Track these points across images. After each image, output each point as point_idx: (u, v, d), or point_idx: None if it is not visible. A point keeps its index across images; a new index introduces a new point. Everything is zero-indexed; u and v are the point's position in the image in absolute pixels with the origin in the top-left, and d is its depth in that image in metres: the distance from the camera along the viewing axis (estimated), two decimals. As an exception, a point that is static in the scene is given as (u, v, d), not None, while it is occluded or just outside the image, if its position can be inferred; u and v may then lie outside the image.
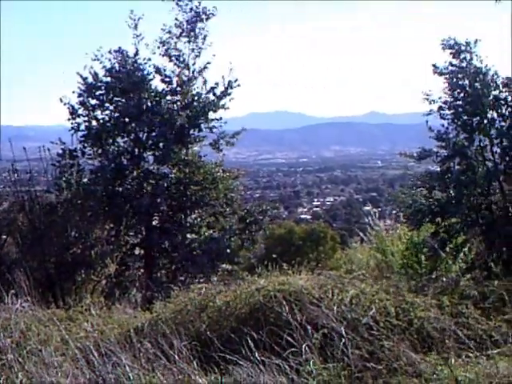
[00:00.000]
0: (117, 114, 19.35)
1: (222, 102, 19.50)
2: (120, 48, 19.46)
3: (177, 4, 19.55)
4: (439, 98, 18.80)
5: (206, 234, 19.17)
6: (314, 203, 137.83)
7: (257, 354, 6.37)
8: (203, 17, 19.58)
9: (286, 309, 7.15)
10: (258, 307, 7.70)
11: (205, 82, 19.63)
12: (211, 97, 19.49)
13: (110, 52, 19.40)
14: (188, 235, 19.11)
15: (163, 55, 19.64)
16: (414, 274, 11.71)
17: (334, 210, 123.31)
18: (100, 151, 19.21)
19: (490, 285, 9.10)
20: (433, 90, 18.99)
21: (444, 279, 9.54)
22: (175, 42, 19.59)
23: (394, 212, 19.87)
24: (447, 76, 18.67)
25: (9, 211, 18.51)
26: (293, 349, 6.48)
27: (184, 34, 19.54)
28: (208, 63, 19.65)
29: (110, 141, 19.32)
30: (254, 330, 6.89)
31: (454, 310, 7.88)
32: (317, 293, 7.60)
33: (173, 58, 19.56)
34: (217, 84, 19.55)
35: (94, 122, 19.36)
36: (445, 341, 7.16)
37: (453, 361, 6.59)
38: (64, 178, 18.28)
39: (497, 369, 6.35)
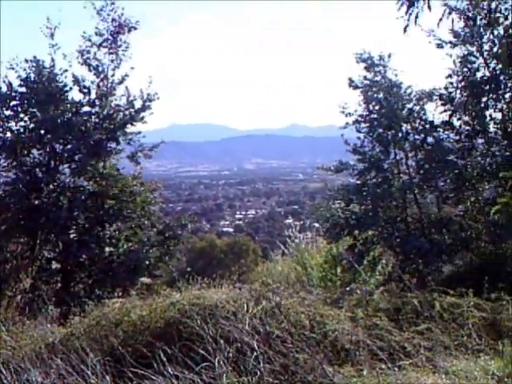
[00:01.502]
0: (32, 126, 18.99)
1: (141, 115, 19.35)
2: (35, 57, 19.11)
3: (97, 13, 19.33)
4: (355, 111, 19.11)
5: (125, 246, 18.96)
6: (237, 216, 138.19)
7: (170, 369, 6.31)
8: (125, 29, 19.42)
9: (200, 323, 7.11)
10: (173, 322, 7.64)
11: (128, 96, 19.45)
12: (130, 110, 19.33)
13: (26, 61, 19.04)
14: (106, 248, 18.88)
15: (82, 64, 19.37)
16: (332, 287, 11.79)
17: (256, 222, 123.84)
18: (14, 163, 18.81)
19: (403, 297, 9.20)
20: (350, 102, 19.31)
21: (359, 292, 9.60)
22: (95, 52, 19.37)
23: (315, 225, 20.07)
24: (362, 89, 19.00)
25: None
26: (206, 363, 6.43)
27: (105, 44, 19.34)
28: (126, 75, 19.49)
29: (25, 152, 18.95)
30: (168, 345, 6.82)
31: (368, 323, 7.94)
32: (232, 306, 7.58)
33: (91, 68, 19.31)
34: (135, 98, 19.40)
35: (8, 133, 18.96)
36: (359, 353, 7.21)
37: (365, 372, 6.63)
38: (-23, 190, 17.89)
39: (408, 379, 6.42)
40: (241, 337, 6.76)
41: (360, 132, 19.45)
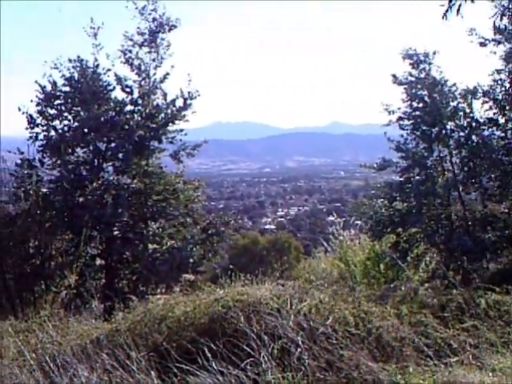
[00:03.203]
0: (76, 124, 19.17)
1: (182, 114, 19.40)
2: (79, 57, 19.28)
3: (139, 12, 19.44)
4: (398, 109, 18.96)
5: (168, 244, 19.05)
6: (278, 213, 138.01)
7: (214, 365, 6.32)
8: (166, 28, 19.50)
9: (244, 319, 7.12)
10: (217, 318, 7.65)
11: (165, 95, 19.54)
12: (172, 108, 19.41)
13: (69, 61, 19.21)
14: (150, 245, 18.99)
15: (124, 63, 19.49)
16: (375, 284, 11.74)
17: (298, 220, 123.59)
18: (59, 161, 19.00)
19: (448, 294, 9.13)
20: (393, 100, 19.15)
21: (403, 288, 9.55)
22: (137, 51, 19.48)
23: (357, 222, 19.97)
24: (406, 86, 18.84)
25: (-34, 222, 18.28)
26: (251, 359, 6.43)
27: (146, 44, 19.44)
28: (167, 74, 19.56)
29: (69, 151, 19.14)
30: (212, 341, 6.84)
31: (412, 319, 7.89)
32: (275, 303, 7.57)
33: (134, 67, 19.42)
34: (177, 96, 19.47)
35: (52, 132, 19.15)
36: (403, 349, 7.17)
37: (411, 369, 6.59)
38: (22, 189, 18.10)
39: (454, 376, 6.37)
40: (285, 333, 6.76)
41: (403, 129, 19.30)
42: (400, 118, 19.30)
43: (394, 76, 19.10)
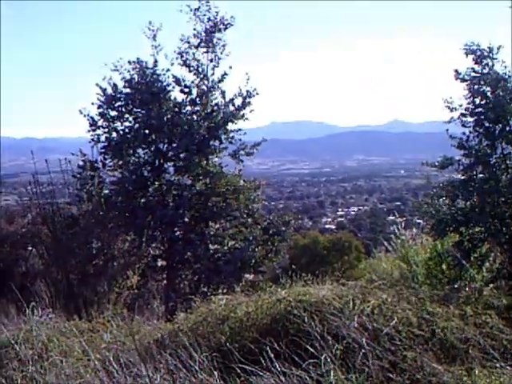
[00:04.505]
0: (137, 126, 19.36)
1: (241, 113, 19.44)
2: (139, 59, 19.46)
3: (194, 14, 19.52)
4: (460, 106, 18.64)
5: (229, 244, 19.10)
6: (338, 213, 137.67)
7: (278, 365, 6.30)
8: (221, 27, 19.55)
9: (306, 319, 7.09)
10: (279, 318, 7.64)
11: (223, 93, 19.60)
12: (231, 108, 19.46)
13: (129, 62, 19.42)
14: (211, 246, 19.07)
15: (182, 65, 19.60)
16: (438, 284, 11.59)
17: (358, 219, 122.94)
18: (121, 163, 19.21)
19: (513, 295, 8.97)
20: (454, 97, 18.82)
21: (467, 289, 9.39)
22: (194, 53, 19.57)
23: (419, 221, 19.70)
24: (469, 82, 18.51)
25: (32, 223, 18.64)
26: (313, 360, 6.40)
27: (202, 44, 19.52)
28: (225, 74, 19.61)
29: (131, 152, 19.34)
30: (274, 341, 6.82)
31: (477, 320, 7.75)
32: (338, 303, 7.52)
33: (191, 68, 19.53)
34: (236, 95, 19.51)
35: (114, 134, 19.38)
36: (469, 351, 7.04)
37: (477, 371, 6.48)
38: (85, 190, 18.35)
39: (522, 379, 6.26)
40: (349, 333, 6.71)
41: (465, 126, 18.98)
42: (462, 115, 18.98)
43: (456, 72, 18.77)
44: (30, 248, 19.61)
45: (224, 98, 19.53)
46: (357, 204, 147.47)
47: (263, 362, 6.44)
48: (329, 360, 6.35)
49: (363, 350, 6.49)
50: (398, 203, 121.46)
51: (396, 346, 6.75)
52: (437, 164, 19.11)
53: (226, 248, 18.89)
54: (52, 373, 7.16)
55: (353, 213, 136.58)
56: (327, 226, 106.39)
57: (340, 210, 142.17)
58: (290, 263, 25.21)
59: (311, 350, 6.55)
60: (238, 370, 6.58)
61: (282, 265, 23.39)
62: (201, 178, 19.10)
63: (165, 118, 19.19)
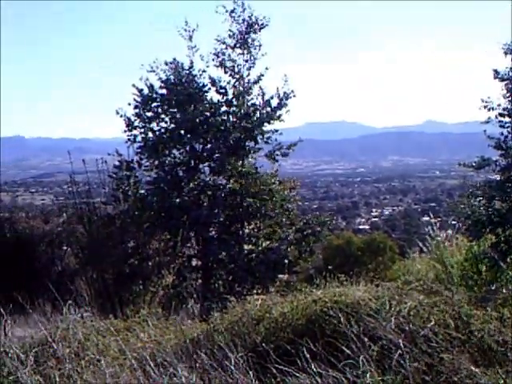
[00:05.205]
0: (172, 126, 19.46)
1: (278, 114, 19.45)
2: (175, 59, 19.57)
3: (230, 15, 19.57)
4: (498, 105, 18.46)
5: (264, 244, 19.11)
6: (373, 213, 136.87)
7: (313, 366, 6.28)
8: (256, 27, 19.58)
9: (343, 320, 7.06)
10: (315, 319, 7.62)
11: (263, 95, 19.62)
12: (267, 108, 19.47)
13: (165, 63, 19.53)
14: (245, 246, 19.10)
15: (218, 66, 19.67)
16: (474, 286, 11.49)
17: (392, 220, 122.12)
18: (156, 163, 19.35)
19: (552, 297, 8.84)
20: (492, 97, 18.65)
21: (504, 291, 9.28)
22: (229, 53, 19.63)
23: (454, 222, 19.55)
24: (507, 82, 18.33)
25: (68, 222, 18.79)
26: (349, 361, 6.38)
27: (238, 45, 19.56)
28: (262, 75, 19.62)
29: (166, 152, 19.46)
30: (310, 342, 6.80)
31: (515, 323, 7.68)
32: (374, 304, 7.48)
33: (227, 69, 19.57)
34: (272, 97, 19.52)
35: (150, 134, 19.50)
36: (506, 354, 6.97)
37: (515, 374, 6.42)
38: (121, 190, 18.46)
39: (562, 382, 6.18)
40: (385, 335, 6.67)
41: (503, 127, 18.81)
42: (500, 115, 18.80)
43: (495, 71, 18.60)
44: (65, 247, 19.79)
45: (263, 98, 19.57)
46: (391, 204, 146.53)
47: (299, 362, 6.43)
48: (365, 361, 6.32)
49: (400, 352, 6.46)
50: (433, 204, 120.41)
51: (433, 348, 6.70)
52: (474, 164, 18.95)
53: (260, 248, 18.91)
54: (89, 371, 7.21)
55: (387, 213, 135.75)
56: (361, 227, 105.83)
57: (374, 210, 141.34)
58: (323, 264, 25.18)
59: (347, 351, 6.53)
60: (274, 371, 6.58)
61: (316, 265, 23.36)
62: (235, 178, 19.14)
63: (199, 119, 19.26)
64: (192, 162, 19.49)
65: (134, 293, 16.06)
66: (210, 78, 19.67)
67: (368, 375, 6.19)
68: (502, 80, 18.36)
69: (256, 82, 19.64)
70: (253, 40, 19.62)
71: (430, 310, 7.50)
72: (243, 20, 19.55)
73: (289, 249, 18.93)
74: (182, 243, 18.48)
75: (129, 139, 19.54)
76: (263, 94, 19.61)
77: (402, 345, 6.50)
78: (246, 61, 19.66)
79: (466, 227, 18.48)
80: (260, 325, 8.01)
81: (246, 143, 19.46)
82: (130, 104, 19.58)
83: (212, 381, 6.55)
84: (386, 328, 6.82)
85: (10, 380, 7.07)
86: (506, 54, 18.43)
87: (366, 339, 6.60)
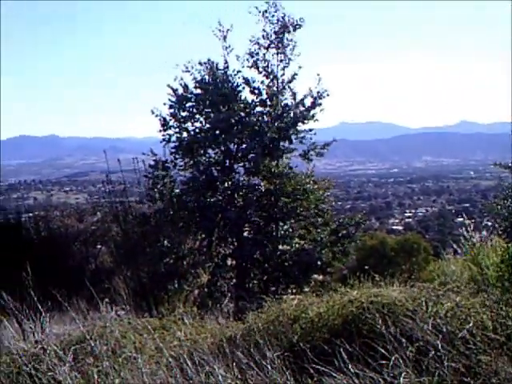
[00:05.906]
0: (207, 126, 19.51)
1: (311, 113, 19.42)
2: (210, 60, 19.61)
3: (263, 16, 19.56)
4: (533, 105, 18.31)
5: (297, 245, 19.07)
6: (406, 214, 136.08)
7: (350, 366, 6.28)
8: (290, 28, 19.55)
9: (380, 321, 7.05)
10: (351, 319, 7.62)
11: (294, 95, 19.60)
12: (301, 108, 19.45)
13: (200, 64, 19.57)
14: (279, 246, 19.09)
15: (251, 67, 19.66)
16: (510, 288, 11.39)
17: (426, 221, 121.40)
18: (191, 162, 19.40)
19: None
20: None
21: (542, 292, 9.19)
22: (264, 54, 19.62)
23: (490, 224, 19.42)
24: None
25: (103, 221, 18.95)
26: (386, 361, 6.36)
27: (272, 46, 19.55)
28: (295, 74, 19.60)
29: (201, 152, 19.52)
30: (346, 342, 6.79)
31: (555, 325, 7.60)
32: (410, 305, 7.46)
33: (261, 70, 19.57)
34: (305, 96, 19.49)
35: (184, 134, 19.56)
36: (546, 356, 6.92)
37: (555, 377, 6.35)
38: (156, 189, 18.55)
39: None
40: (423, 336, 6.65)
41: (537, 127, 18.72)
42: (535, 115, 18.71)
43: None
44: (99, 246, 19.95)
45: (294, 98, 19.55)
46: (424, 205, 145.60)
47: (336, 362, 6.43)
48: (402, 362, 6.31)
49: (437, 353, 6.43)
50: (467, 205, 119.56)
51: (470, 350, 6.66)
52: (510, 165, 18.85)
53: (293, 249, 18.88)
54: (126, 368, 7.26)
55: (420, 214, 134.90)
56: (394, 227, 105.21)
57: (407, 211, 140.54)
58: (357, 264, 25.11)
59: (384, 351, 6.52)
60: (311, 370, 6.58)
61: (349, 266, 23.30)
62: (270, 178, 19.14)
63: (234, 119, 19.30)
64: (227, 161, 19.52)
65: (169, 292, 16.16)
66: (244, 78, 19.68)
67: (403, 375, 6.17)
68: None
69: (290, 82, 19.61)
70: (288, 40, 19.58)
71: (468, 312, 7.45)
72: (277, 20, 19.53)
73: (323, 251, 18.86)
74: (216, 243, 18.57)
75: (164, 139, 19.62)
76: (294, 94, 19.56)
77: (439, 346, 6.47)
78: (281, 61, 19.64)
79: (502, 228, 18.34)
80: (296, 324, 8.02)
81: (281, 143, 19.45)
82: (165, 104, 19.66)
83: (248, 379, 6.57)
84: (423, 329, 6.79)
85: (49, 376, 7.13)
86: None
87: (402, 340, 6.58)
